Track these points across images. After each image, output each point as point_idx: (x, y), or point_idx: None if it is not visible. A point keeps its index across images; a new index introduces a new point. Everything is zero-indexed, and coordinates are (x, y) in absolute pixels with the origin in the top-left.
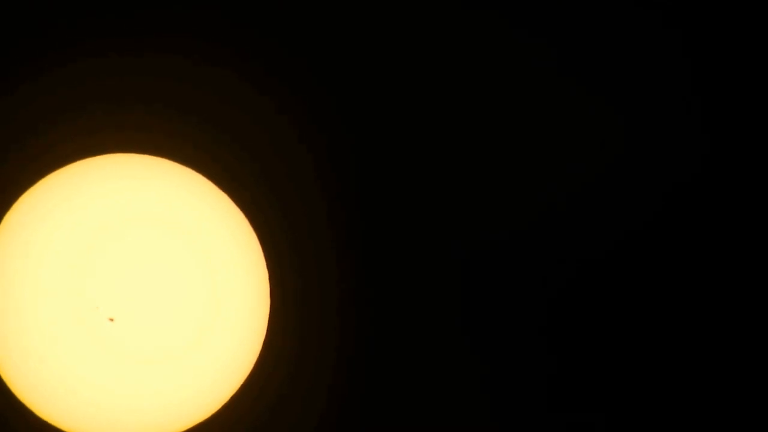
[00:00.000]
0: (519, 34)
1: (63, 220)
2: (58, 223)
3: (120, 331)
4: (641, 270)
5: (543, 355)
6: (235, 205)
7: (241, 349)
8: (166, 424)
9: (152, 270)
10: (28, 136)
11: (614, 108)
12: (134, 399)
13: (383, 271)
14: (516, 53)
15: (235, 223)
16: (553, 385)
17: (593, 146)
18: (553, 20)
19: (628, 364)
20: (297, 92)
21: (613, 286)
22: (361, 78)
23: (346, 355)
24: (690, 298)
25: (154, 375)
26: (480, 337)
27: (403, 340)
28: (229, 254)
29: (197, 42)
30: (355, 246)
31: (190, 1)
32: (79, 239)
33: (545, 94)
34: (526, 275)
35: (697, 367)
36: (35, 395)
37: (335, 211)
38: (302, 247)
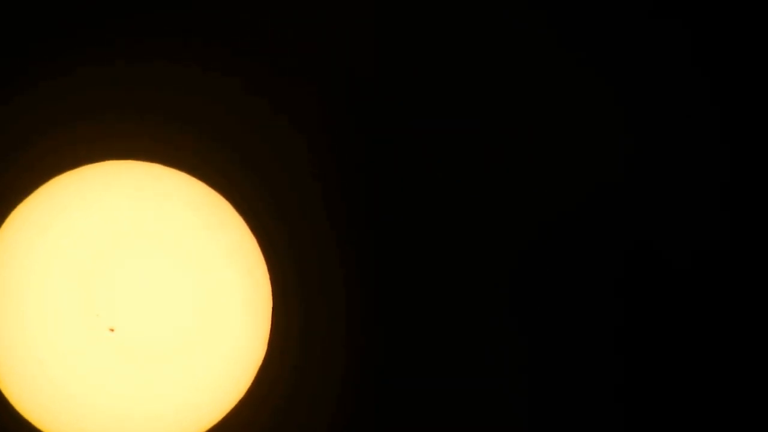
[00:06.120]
0: (526, 33)
1: (61, 228)
2: (56, 231)
3: (121, 340)
4: (647, 274)
5: (541, 358)
6: (236, 211)
7: (243, 357)
8: None
9: (153, 277)
10: (27, 143)
11: (623, 109)
12: (135, 409)
13: (387, 275)
14: (520, 51)
15: (235, 229)
16: (551, 390)
17: (601, 147)
18: (561, 21)
19: (637, 366)
20: (300, 96)
21: (621, 290)
22: (365, 80)
23: (349, 362)
24: (700, 300)
25: (154, 384)
26: (483, 340)
27: (408, 341)
28: (229, 261)
29: (198, 49)
30: (358, 249)
31: (191, 7)
32: (79, 247)
33: (551, 94)
34: (527, 278)
35: (704, 364)
36: (34, 406)
37: (337, 215)
38: (304, 252)
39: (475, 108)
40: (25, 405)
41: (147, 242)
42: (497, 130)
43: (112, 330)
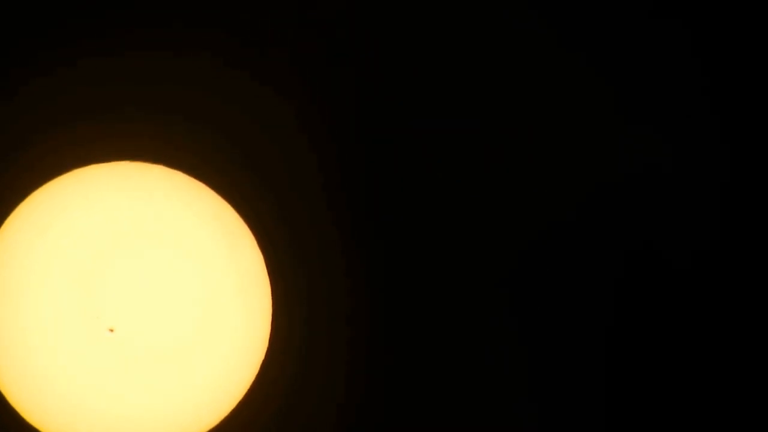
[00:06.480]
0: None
1: (61, 228)
2: (56, 231)
3: (120, 341)
4: (647, 274)
5: (531, 361)
6: (236, 212)
7: (243, 358)
8: None
9: (153, 278)
10: (27, 143)
11: (629, 109)
12: (134, 409)
13: (387, 274)
14: (520, 51)
15: (235, 230)
16: (545, 392)
17: (601, 147)
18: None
19: (646, 367)
20: (300, 96)
21: (623, 294)
22: (365, 80)
23: (349, 362)
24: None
25: (154, 385)
26: (483, 340)
27: (408, 341)
28: (229, 262)
29: (198, 49)
30: (358, 249)
31: (192, 7)
32: (78, 247)
33: (551, 94)
34: (527, 278)
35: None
36: (33, 407)
37: (337, 215)
38: (304, 252)
39: (475, 108)
40: (24, 405)
41: (147, 243)
42: (497, 130)
43: (111, 330)
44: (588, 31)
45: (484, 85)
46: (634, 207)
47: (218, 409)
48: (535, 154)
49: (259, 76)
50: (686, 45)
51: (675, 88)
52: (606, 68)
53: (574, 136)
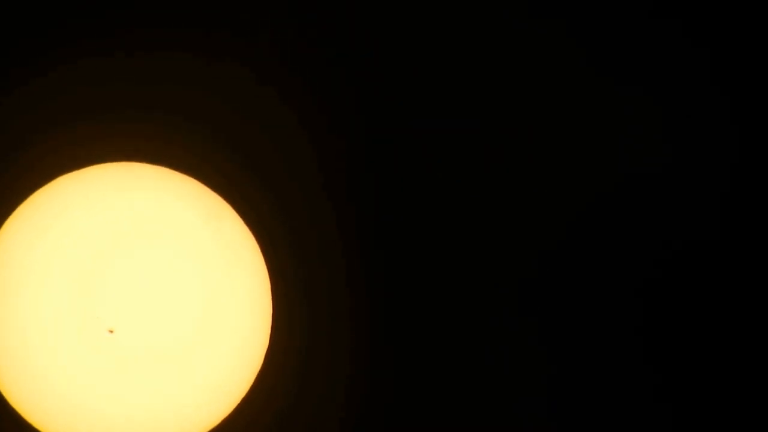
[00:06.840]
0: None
1: (61, 229)
2: (56, 232)
3: (120, 341)
4: (648, 274)
5: (530, 361)
6: (236, 211)
7: (244, 359)
8: None
9: (152, 278)
10: (27, 143)
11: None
12: (134, 410)
13: (386, 274)
14: (520, 51)
15: (235, 230)
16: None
17: (600, 148)
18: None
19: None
20: (301, 96)
21: (621, 295)
22: (365, 80)
23: (350, 362)
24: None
25: (153, 386)
26: (484, 341)
27: (408, 341)
28: (229, 262)
29: (199, 49)
30: (358, 248)
31: (192, 7)
32: (78, 248)
33: (550, 94)
34: (527, 278)
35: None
36: (33, 407)
37: (337, 215)
38: (304, 252)
39: (475, 108)
40: (24, 405)
41: (147, 243)
42: (497, 130)
43: (111, 331)
44: (588, 31)
45: (484, 85)
46: (634, 207)
47: (218, 409)
48: (535, 154)
49: (259, 77)
50: (686, 45)
51: (675, 88)
52: (606, 68)
53: (574, 136)
